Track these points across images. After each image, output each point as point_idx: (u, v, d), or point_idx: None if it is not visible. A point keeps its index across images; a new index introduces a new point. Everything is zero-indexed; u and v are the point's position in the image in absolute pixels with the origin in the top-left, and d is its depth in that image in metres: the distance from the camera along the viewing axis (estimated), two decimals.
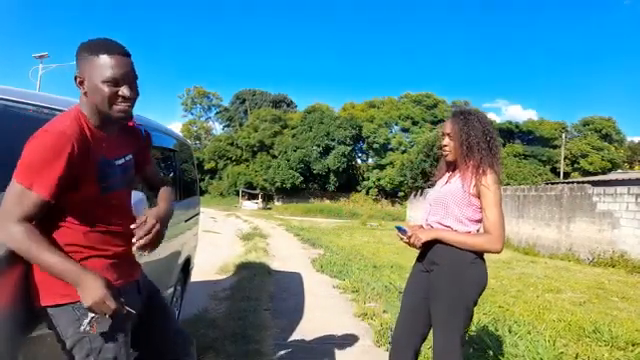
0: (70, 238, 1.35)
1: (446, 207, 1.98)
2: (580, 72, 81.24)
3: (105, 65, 1.32)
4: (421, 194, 23.31)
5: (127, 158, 1.51)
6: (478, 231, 1.97)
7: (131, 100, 1.38)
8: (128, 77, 1.36)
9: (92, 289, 1.27)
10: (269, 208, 40.11)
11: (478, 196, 1.92)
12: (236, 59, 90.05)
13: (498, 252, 1.92)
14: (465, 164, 1.96)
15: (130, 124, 1.56)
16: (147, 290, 1.62)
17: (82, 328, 1.31)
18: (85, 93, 1.36)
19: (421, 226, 2.09)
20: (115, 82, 1.33)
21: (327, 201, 39.97)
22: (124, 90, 1.35)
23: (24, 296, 1.30)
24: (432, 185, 2.21)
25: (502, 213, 1.92)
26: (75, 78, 1.37)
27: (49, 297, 1.31)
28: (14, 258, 1.27)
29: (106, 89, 1.32)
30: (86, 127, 1.36)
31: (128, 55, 1.38)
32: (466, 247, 1.91)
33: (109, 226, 1.42)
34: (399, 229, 2.00)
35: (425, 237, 1.93)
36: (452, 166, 2.10)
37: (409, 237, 1.94)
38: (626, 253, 9.42)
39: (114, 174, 1.42)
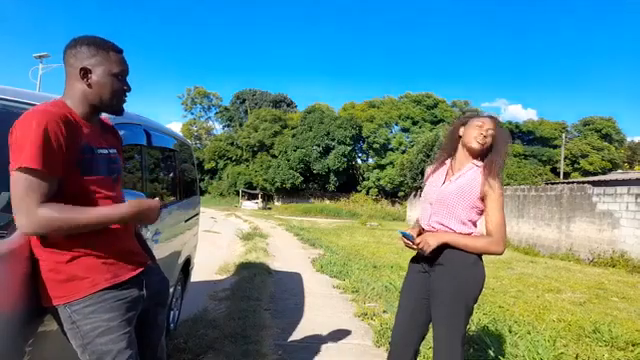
0: (54, 237, 1.32)
1: (450, 208, 1.98)
2: (580, 72, 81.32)
3: (117, 60, 1.46)
4: (421, 194, 23.27)
5: (111, 151, 1.52)
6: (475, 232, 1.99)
7: (129, 93, 1.53)
8: (127, 73, 1.51)
9: (150, 216, 1.42)
10: (269, 208, 40.07)
11: (482, 199, 1.96)
12: (236, 59, 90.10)
13: (500, 254, 1.96)
14: (486, 166, 1.99)
15: (109, 123, 1.64)
16: (154, 290, 1.59)
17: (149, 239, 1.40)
18: (89, 84, 1.41)
19: (423, 229, 2.09)
20: (122, 77, 1.48)
21: (327, 201, 39.93)
22: (128, 85, 1.51)
23: (30, 295, 1.32)
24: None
25: (504, 217, 1.97)
26: (81, 69, 1.39)
27: (50, 298, 1.34)
28: (16, 257, 1.27)
29: (117, 82, 1.46)
30: (70, 113, 1.38)
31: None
32: (470, 250, 1.93)
33: None
34: (404, 235, 1.99)
35: (435, 243, 1.92)
36: (448, 158, 2.13)
37: (417, 244, 1.94)
38: (626, 253, 9.42)
39: (96, 160, 1.42)
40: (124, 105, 1.54)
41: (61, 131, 1.28)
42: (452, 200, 1.97)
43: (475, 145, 2.00)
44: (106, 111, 1.50)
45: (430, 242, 1.92)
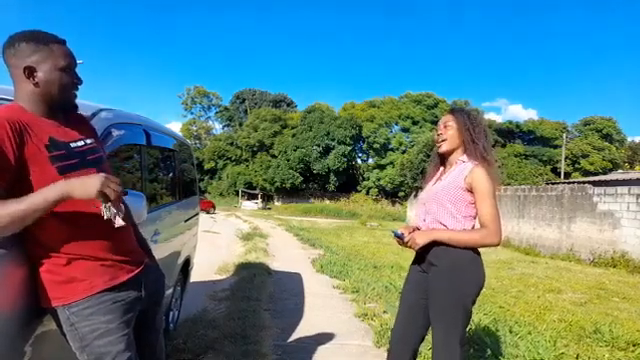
0: (50, 240, 1.31)
1: (440, 204, 1.97)
2: (581, 72, 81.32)
3: (62, 53, 1.36)
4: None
5: (88, 142, 1.44)
6: (473, 227, 1.96)
7: (80, 86, 1.43)
8: (75, 65, 1.41)
9: (86, 184, 1.22)
10: (269, 208, 40.09)
11: (470, 190, 1.92)
12: (236, 59, 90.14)
13: (496, 245, 1.92)
14: (468, 156, 1.97)
15: (79, 114, 1.53)
16: (152, 290, 1.58)
17: (105, 215, 1.27)
18: (36, 83, 1.32)
19: (418, 227, 2.08)
20: (70, 69, 1.38)
21: (327, 201, 39.96)
22: (78, 77, 1.41)
23: (29, 296, 1.31)
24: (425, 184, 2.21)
25: (496, 206, 1.91)
26: (25, 69, 1.30)
27: (49, 299, 1.33)
28: (16, 258, 1.27)
29: (65, 77, 1.36)
30: (24, 115, 1.30)
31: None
32: (464, 245, 1.89)
33: (89, 220, 1.33)
34: (395, 234, 2.00)
35: (422, 241, 1.91)
36: (443, 162, 2.11)
37: (406, 242, 1.94)
38: (627, 253, 9.42)
39: (71, 155, 1.35)
40: (76, 99, 1.44)
41: (10, 139, 1.21)
42: (441, 195, 1.96)
43: (438, 149, 2.05)
44: (59, 108, 1.40)
45: (417, 240, 1.91)
